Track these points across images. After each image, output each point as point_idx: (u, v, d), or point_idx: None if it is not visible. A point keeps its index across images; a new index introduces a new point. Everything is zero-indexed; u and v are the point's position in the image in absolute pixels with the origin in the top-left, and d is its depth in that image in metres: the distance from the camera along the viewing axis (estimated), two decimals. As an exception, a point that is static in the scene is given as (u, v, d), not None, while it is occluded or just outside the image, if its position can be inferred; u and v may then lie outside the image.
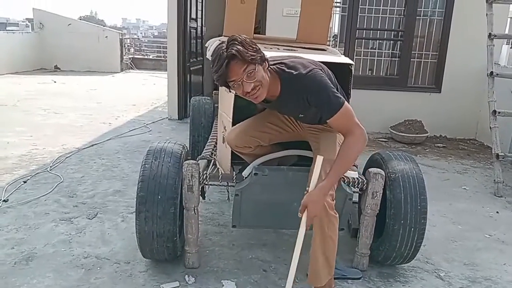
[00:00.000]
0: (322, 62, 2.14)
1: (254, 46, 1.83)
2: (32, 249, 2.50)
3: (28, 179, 3.57)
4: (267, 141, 2.31)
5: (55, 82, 9.66)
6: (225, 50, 1.78)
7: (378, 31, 6.04)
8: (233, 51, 1.76)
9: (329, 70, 2.06)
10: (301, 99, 1.94)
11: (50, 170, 3.81)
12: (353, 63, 2.29)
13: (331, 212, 1.99)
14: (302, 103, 1.96)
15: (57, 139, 4.85)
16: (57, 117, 6.08)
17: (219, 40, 2.79)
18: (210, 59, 3.03)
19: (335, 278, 2.32)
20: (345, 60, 2.33)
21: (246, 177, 2.25)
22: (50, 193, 3.30)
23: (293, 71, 1.91)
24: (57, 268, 2.33)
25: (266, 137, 2.29)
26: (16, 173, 3.71)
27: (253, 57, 1.79)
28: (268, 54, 2.20)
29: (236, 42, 1.79)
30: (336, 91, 1.93)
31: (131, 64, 13.41)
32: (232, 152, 2.33)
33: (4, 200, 3.12)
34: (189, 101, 4.31)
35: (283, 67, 1.95)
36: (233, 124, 2.29)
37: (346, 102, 1.92)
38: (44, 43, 11.98)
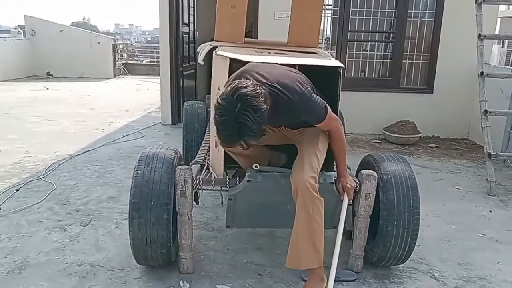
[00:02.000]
0: (312, 66, 2.17)
1: (262, 107, 1.80)
2: (25, 258, 2.48)
3: (21, 187, 3.55)
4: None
5: (47, 89, 9.61)
6: (235, 122, 1.78)
7: (370, 33, 6.07)
8: (246, 133, 1.80)
9: (305, 77, 2.19)
10: (293, 119, 2.16)
11: (43, 177, 3.79)
12: (343, 66, 2.31)
13: (315, 194, 2.05)
14: (293, 120, 2.19)
15: (50, 146, 4.83)
16: (50, 124, 6.05)
17: (210, 45, 2.81)
18: (202, 63, 3.05)
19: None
20: (335, 63, 2.34)
21: (239, 183, 2.26)
22: (43, 201, 3.28)
23: (285, 96, 2.00)
24: (51, 276, 2.31)
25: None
26: (9, 181, 3.69)
27: (261, 128, 1.83)
28: (259, 59, 2.22)
29: (249, 114, 1.76)
30: (320, 101, 2.09)
31: (124, 69, 13.38)
32: (225, 156, 2.33)
33: (-4, 209, 3.10)
34: (182, 106, 4.31)
35: (275, 90, 1.99)
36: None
37: (327, 106, 2.11)
38: (36, 50, 11.92)
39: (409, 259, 2.44)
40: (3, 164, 4.13)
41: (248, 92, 1.78)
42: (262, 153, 2.50)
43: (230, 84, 1.85)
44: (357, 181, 2.32)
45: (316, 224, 2.07)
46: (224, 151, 2.30)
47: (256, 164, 2.27)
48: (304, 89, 2.06)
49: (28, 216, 3.02)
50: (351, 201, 2.35)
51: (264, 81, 1.97)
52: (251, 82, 1.87)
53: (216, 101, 1.85)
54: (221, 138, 1.89)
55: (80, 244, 2.67)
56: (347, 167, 2.47)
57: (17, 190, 3.48)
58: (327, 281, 2.08)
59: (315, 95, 2.10)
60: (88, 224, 2.95)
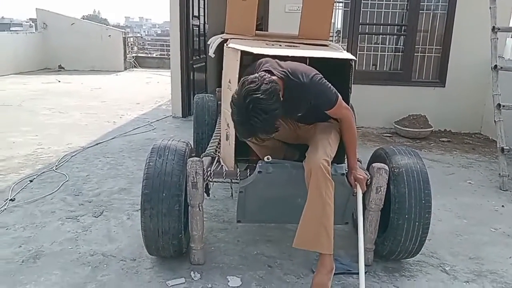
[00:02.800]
0: (324, 58, 2.17)
1: (273, 106, 1.87)
2: (39, 247, 2.52)
3: (34, 178, 3.60)
4: None
5: (59, 81, 9.70)
6: (247, 122, 1.87)
7: (381, 26, 6.02)
8: (258, 131, 1.91)
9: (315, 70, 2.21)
10: (304, 102, 2.15)
11: (55, 169, 3.84)
12: (355, 58, 2.29)
13: (329, 176, 2.09)
14: (305, 105, 2.16)
15: (62, 138, 4.88)
16: (62, 116, 6.12)
17: (221, 38, 2.81)
18: (212, 56, 3.06)
19: (340, 273, 2.33)
20: (347, 55, 2.33)
21: (249, 175, 2.26)
22: (56, 192, 3.33)
23: (296, 79, 2.07)
24: (64, 265, 2.35)
25: None
26: (22, 173, 3.74)
27: (273, 125, 1.93)
28: (270, 51, 2.22)
29: (260, 116, 1.84)
30: (331, 86, 2.13)
31: (134, 62, 13.44)
32: (236, 149, 2.34)
33: (11, 199, 3.15)
34: (193, 99, 4.32)
35: (287, 75, 2.06)
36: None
37: (337, 93, 2.14)
38: (47, 43, 12.02)
39: (419, 253, 2.43)
40: (17, 156, 4.18)
41: (259, 96, 1.84)
42: (278, 146, 2.51)
43: (242, 83, 1.90)
44: (368, 174, 2.31)
45: (329, 207, 2.08)
46: (235, 143, 2.30)
47: (268, 156, 2.27)
48: (313, 73, 2.12)
49: (41, 207, 3.07)
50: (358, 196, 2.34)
51: (278, 67, 2.09)
52: (262, 78, 1.90)
53: (231, 100, 1.94)
54: (237, 133, 2.04)
55: (93, 235, 2.71)
56: (358, 160, 2.48)
57: (31, 181, 3.53)
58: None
59: (325, 80, 2.13)
60: (100, 215, 2.98)
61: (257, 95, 1.84)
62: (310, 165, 2.11)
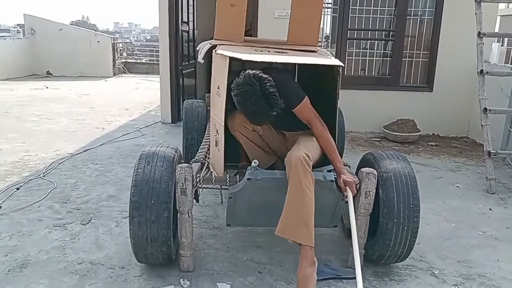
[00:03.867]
0: (312, 64, 2.19)
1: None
2: (26, 256, 2.48)
3: (21, 185, 3.56)
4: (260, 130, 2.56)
5: (47, 87, 9.61)
6: (262, 97, 2.13)
7: (370, 31, 6.07)
8: (274, 102, 2.16)
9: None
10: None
11: (43, 176, 3.79)
12: (343, 65, 2.31)
13: (309, 168, 2.14)
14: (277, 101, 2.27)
15: (50, 145, 4.83)
16: (49, 123, 6.06)
17: (210, 44, 2.81)
18: (201, 62, 3.06)
19: (330, 278, 2.34)
20: (335, 62, 2.34)
21: (239, 181, 2.26)
22: (44, 200, 3.29)
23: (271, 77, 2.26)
24: (51, 274, 2.32)
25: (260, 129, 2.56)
26: (9, 180, 3.69)
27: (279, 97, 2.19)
28: (259, 58, 2.22)
29: (268, 83, 2.14)
30: (298, 87, 2.41)
31: (123, 68, 13.38)
32: (225, 155, 2.33)
33: (-3, 208, 3.10)
34: (182, 105, 4.31)
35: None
36: (225, 127, 2.31)
37: (305, 95, 2.36)
38: (35, 48, 11.93)
39: (409, 257, 2.44)
40: (4, 163, 4.13)
41: (256, 72, 2.16)
42: (270, 152, 2.58)
43: (239, 77, 2.17)
44: (356, 178, 2.32)
45: (308, 199, 2.11)
46: (225, 150, 2.30)
47: (256, 160, 2.29)
48: (285, 75, 2.44)
49: (28, 215, 3.03)
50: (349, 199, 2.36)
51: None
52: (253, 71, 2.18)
53: (236, 91, 2.15)
54: (254, 119, 2.27)
55: (81, 243, 2.68)
56: (346, 165, 2.53)
57: (18, 188, 3.48)
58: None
59: (295, 82, 2.48)
60: (88, 222, 2.95)
61: (255, 71, 2.16)
62: (291, 158, 2.17)
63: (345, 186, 2.25)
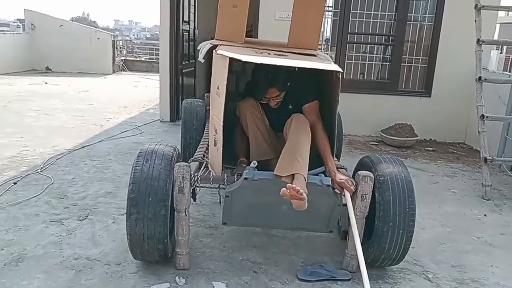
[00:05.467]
0: (311, 69, 2.21)
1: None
2: (22, 251, 2.49)
3: (19, 180, 3.56)
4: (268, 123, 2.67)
5: (46, 83, 9.60)
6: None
7: (370, 36, 6.09)
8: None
9: None
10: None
11: (40, 171, 3.80)
12: (342, 70, 2.32)
13: (308, 125, 2.44)
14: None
15: (48, 140, 4.83)
16: (48, 118, 6.05)
17: (211, 44, 2.82)
18: (202, 61, 3.07)
19: (324, 280, 2.35)
20: (334, 67, 2.35)
21: (236, 180, 2.28)
22: (41, 195, 3.29)
23: None
24: (47, 269, 2.33)
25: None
26: (6, 174, 3.69)
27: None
28: (259, 60, 2.24)
29: None
30: None
31: (123, 66, 13.37)
32: (223, 155, 2.34)
33: (-6, 202, 3.11)
34: (181, 104, 4.32)
35: None
36: (224, 127, 2.31)
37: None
38: (35, 44, 11.90)
39: (403, 260, 2.46)
40: (1, 157, 4.13)
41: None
42: (270, 146, 2.60)
43: None
44: (350, 176, 2.35)
45: (305, 138, 2.35)
46: (223, 149, 2.31)
47: (255, 161, 2.31)
48: None
49: (25, 209, 3.03)
50: (345, 202, 2.38)
51: None
52: None
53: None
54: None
55: (77, 238, 2.68)
56: (343, 168, 2.55)
57: (15, 183, 3.49)
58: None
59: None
60: (85, 218, 2.96)
61: None
62: (292, 119, 2.45)
63: (341, 187, 2.28)
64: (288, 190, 2.03)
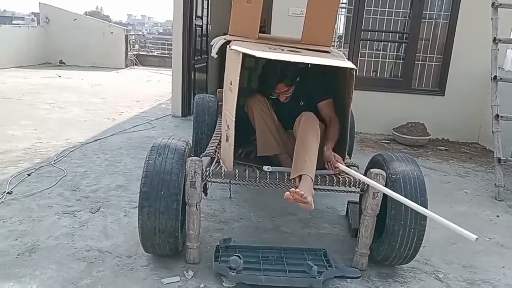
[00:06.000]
0: (325, 66, 2.20)
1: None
2: (35, 241, 2.53)
3: (32, 172, 3.61)
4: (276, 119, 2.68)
5: (59, 76, 9.70)
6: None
7: (383, 33, 6.04)
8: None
9: None
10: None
11: (54, 163, 3.84)
12: (355, 67, 2.31)
13: (316, 123, 2.45)
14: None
15: (61, 133, 4.89)
16: (61, 111, 6.12)
17: (224, 39, 2.82)
18: (215, 57, 3.07)
19: (334, 277, 2.35)
20: (348, 64, 2.34)
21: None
22: (54, 187, 3.33)
23: None
24: (60, 260, 2.36)
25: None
26: (20, 166, 3.75)
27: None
28: (272, 55, 2.23)
29: None
30: None
31: (135, 60, 13.45)
32: (235, 151, 2.35)
33: (8, 192, 3.15)
34: (193, 99, 4.33)
35: None
36: (236, 124, 2.32)
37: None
38: (49, 37, 12.02)
39: (414, 259, 2.44)
40: (15, 149, 4.19)
41: None
42: (279, 142, 2.61)
43: None
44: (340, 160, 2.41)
45: (314, 139, 2.35)
46: (234, 145, 2.32)
47: (269, 166, 2.39)
48: None
49: (38, 201, 3.08)
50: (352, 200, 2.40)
51: None
52: None
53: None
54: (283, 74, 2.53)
55: (89, 230, 2.71)
56: (355, 165, 2.58)
57: (29, 175, 3.53)
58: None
59: None
60: (97, 211, 2.99)
61: None
62: (300, 118, 2.44)
63: (328, 162, 2.39)
64: (291, 194, 2.04)
